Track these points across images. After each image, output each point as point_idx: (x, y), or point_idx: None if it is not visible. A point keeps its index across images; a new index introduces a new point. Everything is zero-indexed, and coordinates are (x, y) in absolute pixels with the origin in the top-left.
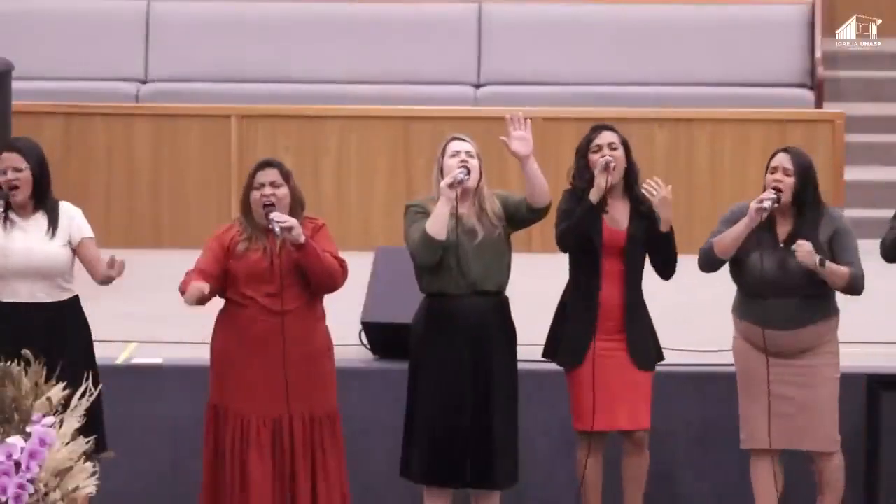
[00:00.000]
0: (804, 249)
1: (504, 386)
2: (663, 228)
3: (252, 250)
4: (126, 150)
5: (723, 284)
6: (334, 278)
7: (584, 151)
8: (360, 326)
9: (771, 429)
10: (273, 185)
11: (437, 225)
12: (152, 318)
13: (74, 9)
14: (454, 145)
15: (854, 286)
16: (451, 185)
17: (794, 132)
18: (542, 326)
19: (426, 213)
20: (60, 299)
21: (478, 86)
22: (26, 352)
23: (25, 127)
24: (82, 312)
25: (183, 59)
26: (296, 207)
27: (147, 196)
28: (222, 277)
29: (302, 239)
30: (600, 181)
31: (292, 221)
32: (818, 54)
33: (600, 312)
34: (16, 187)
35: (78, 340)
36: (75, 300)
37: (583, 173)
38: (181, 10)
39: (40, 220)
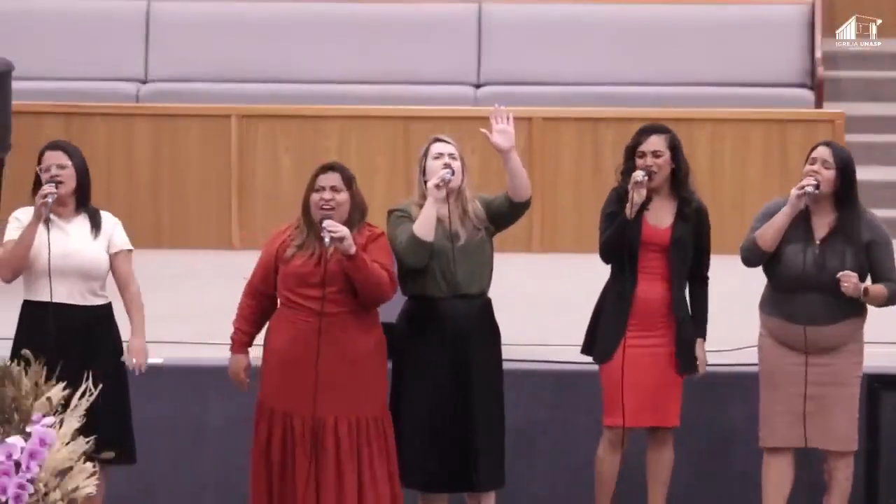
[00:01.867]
0: (851, 282)
1: (488, 388)
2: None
3: (299, 255)
4: (126, 150)
5: (726, 284)
6: (381, 292)
7: (630, 153)
8: None
9: (794, 427)
10: (333, 189)
11: (425, 226)
12: (152, 318)
13: (74, 9)
14: (437, 147)
15: (892, 301)
16: (437, 186)
17: (794, 132)
18: (542, 326)
19: (409, 217)
20: (96, 304)
21: (478, 86)
22: (26, 352)
23: (25, 127)
24: (115, 319)
25: (183, 59)
26: (354, 214)
27: (147, 196)
28: (273, 288)
29: (352, 250)
30: (633, 196)
31: (344, 232)
32: (818, 54)
33: (638, 309)
34: (60, 182)
35: (113, 347)
36: (109, 307)
37: (628, 176)
38: (181, 10)
39: (82, 222)
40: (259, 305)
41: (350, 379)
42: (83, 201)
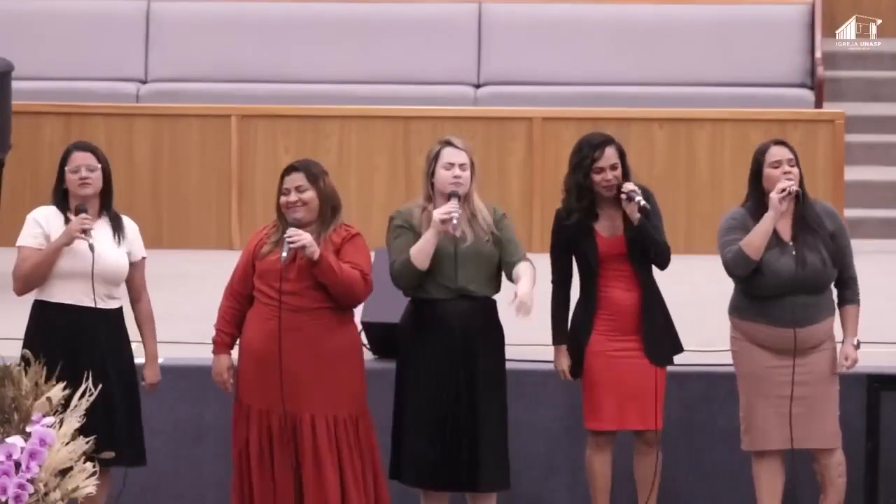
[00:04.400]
0: (853, 361)
1: (491, 389)
2: (634, 223)
3: (274, 252)
4: (126, 151)
5: (721, 285)
6: (353, 293)
7: (586, 171)
8: (360, 326)
9: (781, 430)
10: (298, 189)
11: (422, 256)
12: None
13: (74, 9)
14: (448, 154)
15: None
16: (443, 221)
17: (794, 132)
18: (542, 326)
19: (409, 227)
20: (111, 307)
21: (478, 86)
22: (26, 351)
23: (25, 127)
24: (125, 323)
25: (183, 59)
26: (325, 209)
27: (147, 196)
28: (252, 289)
29: (316, 256)
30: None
31: (304, 240)
32: (818, 54)
33: (612, 315)
34: (89, 184)
35: (126, 349)
36: (121, 311)
37: (581, 195)
38: (181, 10)
39: (104, 226)
40: (239, 306)
41: (322, 376)
42: (107, 205)
